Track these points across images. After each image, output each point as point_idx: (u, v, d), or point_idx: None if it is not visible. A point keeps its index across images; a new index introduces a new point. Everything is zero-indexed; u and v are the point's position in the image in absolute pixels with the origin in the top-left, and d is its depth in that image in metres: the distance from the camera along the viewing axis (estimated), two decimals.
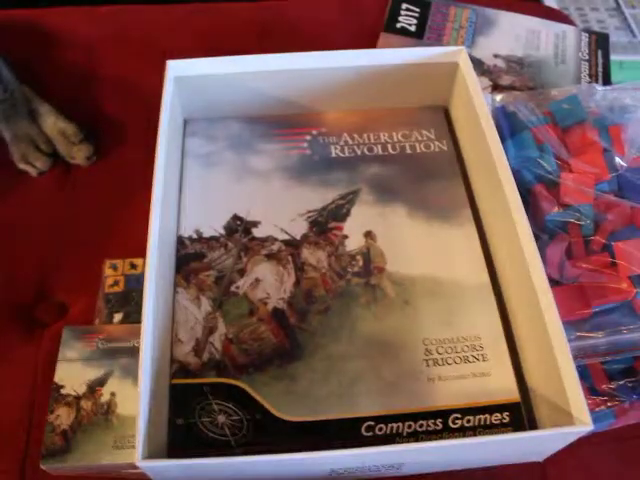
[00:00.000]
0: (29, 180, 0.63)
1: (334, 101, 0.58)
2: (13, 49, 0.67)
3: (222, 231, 0.51)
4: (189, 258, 0.49)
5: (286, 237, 0.51)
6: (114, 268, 0.55)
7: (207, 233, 0.51)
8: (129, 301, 0.54)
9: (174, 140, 0.53)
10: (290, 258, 0.49)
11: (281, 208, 0.52)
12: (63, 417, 0.46)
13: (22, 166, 0.63)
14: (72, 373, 0.48)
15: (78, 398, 0.47)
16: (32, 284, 0.57)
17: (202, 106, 0.57)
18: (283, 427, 0.42)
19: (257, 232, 0.51)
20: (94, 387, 0.48)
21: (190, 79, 0.54)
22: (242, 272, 0.49)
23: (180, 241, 0.50)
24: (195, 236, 0.50)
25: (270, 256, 0.50)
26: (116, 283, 0.55)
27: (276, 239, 0.50)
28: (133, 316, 0.53)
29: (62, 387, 0.48)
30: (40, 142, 0.63)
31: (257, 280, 0.48)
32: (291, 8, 0.79)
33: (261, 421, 0.43)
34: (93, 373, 0.48)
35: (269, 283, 0.48)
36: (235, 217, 0.51)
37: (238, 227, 0.51)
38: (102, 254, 0.56)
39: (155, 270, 0.43)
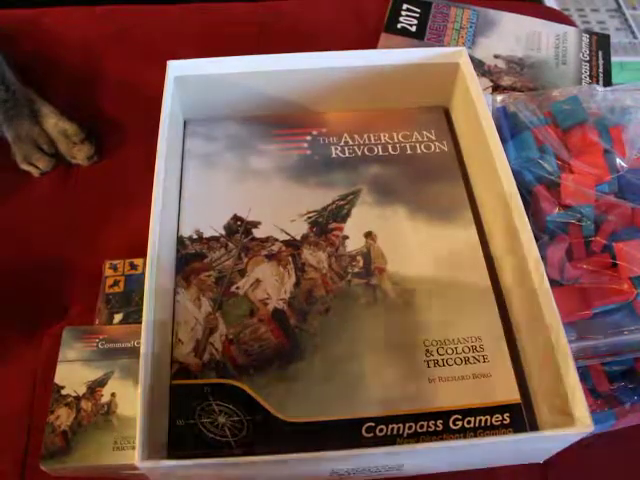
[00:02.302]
0: (30, 180, 0.63)
1: (334, 102, 0.58)
2: (13, 49, 0.67)
3: (222, 231, 0.51)
4: (189, 258, 0.49)
5: (286, 237, 0.51)
6: (114, 268, 0.55)
7: (207, 233, 0.51)
8: (129, 301, 0.54)
9: (174, 140, 0.53)
10: (290, 259, 0.49)
11: (281, 208, 0.52)
12: (63, 418, 0.46)
13: (24, 167, 0.62)
14: (72, 374, 0.48)
15: (78, 399, 0.47)
16: (32, 284, 0.57)
17: (202, 106, 0.56)
18: (283, 428, 0.42)
19: (257, 232, 0.51)
20: (94, 388, 0.48)
21: (190, 79, 0.54)
22: (242, 273, 0.49)
23: (180, 241, 0.50)
24: (195, 236, 0.50)
25: (270, 257, 0.50)
26: (116, 283, 0.55)
27: (276, 239, 0.50)
28: (133, 316, 0.53)
29: (62, 388, 0.48)
30: (42, 142, 0.63)
31: (257, 281, 0.48)
32: (291, 8, 0.79)
33: (261, 422, 0.43)
34: (93, 374, 0.48)
35: (269, 284, 0.48)
36: (235, 217, 0.51)
37: (238, 227, 0.51)
38: (102, 254, 0.56)
39: (155, 270, 0.43)
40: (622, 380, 0.48)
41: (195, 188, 0.53)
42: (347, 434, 0.42)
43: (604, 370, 0.48)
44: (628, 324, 0.48)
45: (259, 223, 0.51)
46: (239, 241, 0.50)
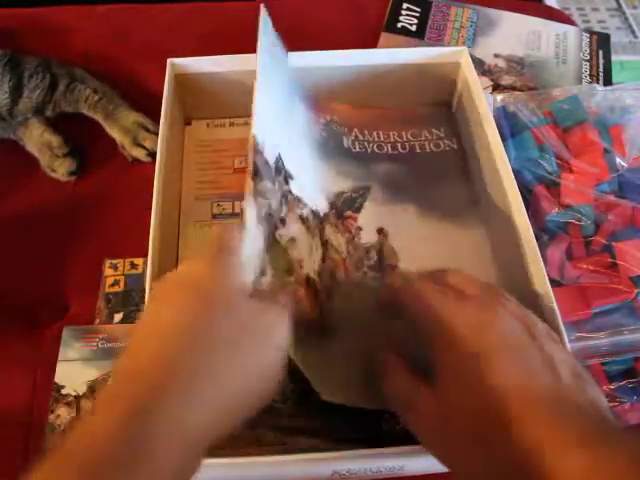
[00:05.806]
0: (30, 180, 0.63)
1: (333, 100, 0.58)
2: (13, 49, 0.67)
3: (272, 164, 0.45)
4: None
5: (313, 207, 0.48)
6: (114, 268, 0.55)
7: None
8: (129, 301, 0.54)
9: (175, 139, 0.53)
10: (317, 231, 0.48)
11: (308, 174, 0.50)
12: (63, 417, 0.46)
13: (134, 152, 0.62)
14: (72, 373, 0.48)
15: (78, 398, 0.47)
16: (32, 284, 0.56)
17: (204, 105, 0.56)
18: (315, 404, 0.39)
19: (292, 186, 0.47)
20: (94, 387, 0.48)
21: (191, 77, 0.54)
22: (283, 222, 0.45)
23: None
24: None
25: (302, 220, 0.47)
26: (116, 283, 0.55)
27: (306, 204, 0.48)
28: (133, 316, 0.53)
29: (62, 387, 0.48)
30: (147, 123, 0.63)
31: (292, 239, 0.45)
32: (292, 8, 0.79)
33: (302, 394, 0.40)
34: (93, 373, 0.48)
35: (302, 248, 0.45)
36: (279, 157, 0.46)
37: (281, 169, 0.46)
38: (102, 254, 0.56)
39: (156, 270, 0.42)
40: (622, 379, 0.48)
41: None
42: (366, 425, 0.40)
43: (604, 370, 0.48)
44: (628, 323, 0.48)
45: (292, 177, 0.47)
46: (282, 185, 0.46)
